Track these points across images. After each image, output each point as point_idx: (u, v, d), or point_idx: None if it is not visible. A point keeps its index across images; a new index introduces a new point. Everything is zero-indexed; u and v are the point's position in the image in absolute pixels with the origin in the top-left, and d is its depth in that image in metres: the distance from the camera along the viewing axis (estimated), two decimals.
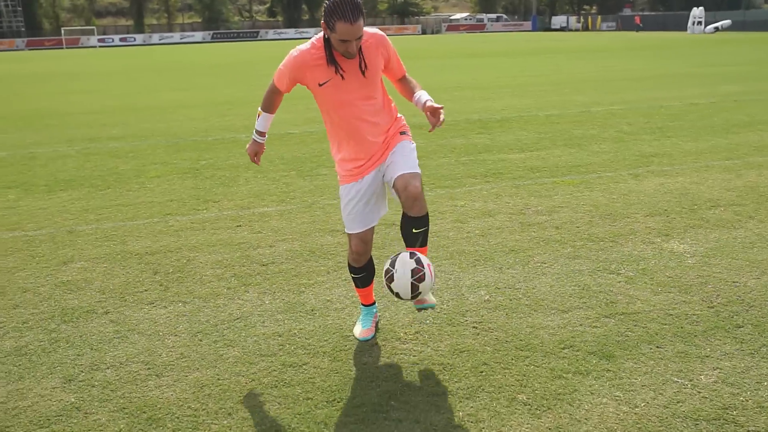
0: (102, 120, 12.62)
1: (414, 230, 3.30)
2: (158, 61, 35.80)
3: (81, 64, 35.61)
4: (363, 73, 3.22)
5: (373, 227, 3.50)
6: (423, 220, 3.30)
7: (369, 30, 3.26)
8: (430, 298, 3.38)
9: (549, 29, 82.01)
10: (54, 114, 13.72)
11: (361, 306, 3.80)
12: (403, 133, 3.44)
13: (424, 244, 3.35)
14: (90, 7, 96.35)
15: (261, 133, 3.57)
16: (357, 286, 3.71)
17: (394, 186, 3.31)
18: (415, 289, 3.18)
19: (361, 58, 3.22)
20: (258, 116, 3.57)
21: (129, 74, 26.19)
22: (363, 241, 3.48)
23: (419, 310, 3.50)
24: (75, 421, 3.00)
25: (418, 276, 3.17)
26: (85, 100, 16.29)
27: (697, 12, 58.73)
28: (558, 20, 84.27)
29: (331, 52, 3.19)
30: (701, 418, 2.85)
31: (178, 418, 2.99)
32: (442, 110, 3.29)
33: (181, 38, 78.15)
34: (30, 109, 14.89)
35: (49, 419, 3.01)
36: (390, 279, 3.21)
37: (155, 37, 77.72)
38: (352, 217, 3.45)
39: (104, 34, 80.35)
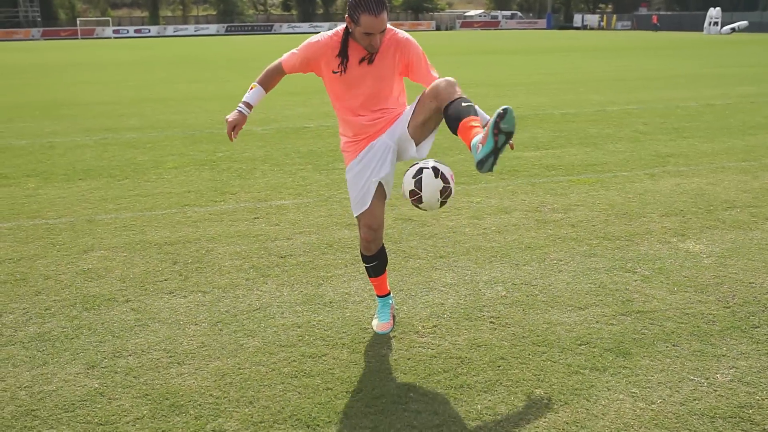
0: (119, 111, 12.72)
1: (464, 104, 3.04)
2: (173, 53, 35.96)
3: (96, 55, 35.81)
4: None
5: (381, 214, 3.42)
6: (466, 99, 3.07)
7: (395, 31, 3.30)
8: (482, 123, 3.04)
9: (570, 27, 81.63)
10: (71, 104, 13.83)
11: (377, 298, 3.83)
12: None
13: (476, 114, 3.07)
14: None
15: (249, 105, 3.40)
16: (370, 275, 3.72)
17: (420, 100, 3.21)
18: (443, 204, 3.30)
19: (390, 50, 3.28)
20: (250, 89, 3.43)
21: (144, 65, 26.33)
22: (371, 228, 3.44)
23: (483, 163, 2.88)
24: (99, 406, 3.05)
25: (446, 193, 3.25)
26: (101, 91, 16.41)
27: (714, 12, 58.30)
28: (580, 18, 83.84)
29: (345, 46, 3.24)
30: (717, 415, 2.88)
31: (200, 405, 3.05)
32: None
33: (195, 30, 78.37)
34: (47, 99, 15.00)
35: (73, 404, 3.07)
36: (418, 201, 3.28)
37: (170, 29, 77.95)
38: (356, 193, 3.41)
39: (119, 25, 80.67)
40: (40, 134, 10.23)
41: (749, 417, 2.86)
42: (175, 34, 76.33)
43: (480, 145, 2.86)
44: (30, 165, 8.03)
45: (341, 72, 3.29)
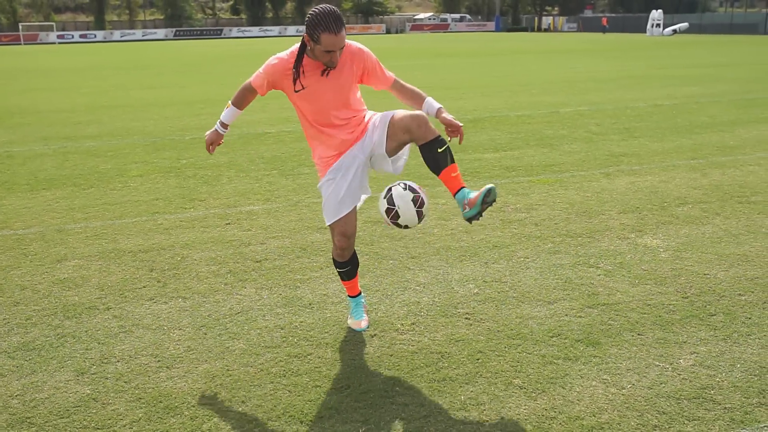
0: (75, 118, 12.55)
1: (439, 150, 3.34)
2: (123, 59, 35.40)
3: (43, 61, 35.01)
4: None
5: (354, 222, 3.57)
6: (441, 140, 3.36)
7: (348, 43, 3.41)
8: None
9: (519, 29, 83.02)
10: (24, 112, 13.59)
11: (349, 298, 3.96)
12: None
13: (453, 160, 3.40)
14: (48, 2, 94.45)
15: (224, 125, 3.68)
16: (342, 279, 3.86)
17: (391, 129, 3.39)
18: (420, 215, 3.46)
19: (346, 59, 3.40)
20: (226, 108, 3.66)
21: (95, 72, 25.89)
22: (345, 236, 3.57)
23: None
24: (94, 411, 3.12)
25: (419, 203, 3.42)
26: (54, 98, 16.13)
27: (656, 14, 60.12)
28: (531, 20, 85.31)
29: (299, 63, 3.34)
30: (682, 397, 3.11)
31: (194, 406, 3.14)
32: (461, 129, 3.48)
33: (143, 35, 77.14)
34: None
35: (68, 410, 3.13)
36: (395, 216, 3.43)
37: (116, 34, 76.56)
38: (330, 204, 3.53)
39: (63, 30, 78.85)
40: None
41: (711, 397, 3.10)
42: (122, 39, 74.99)
43: (467, 207, 3.40)
44: None
45: (302, 88, 3.38)
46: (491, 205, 3.38)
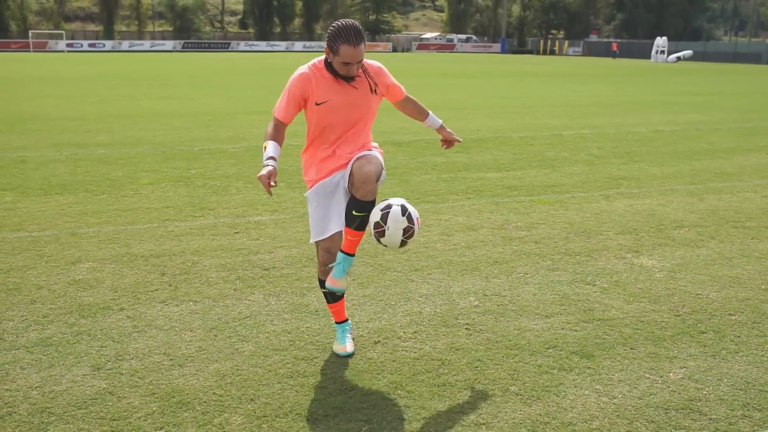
0: (86, 126, 12.77)
1: (354, 212, 3.40)
2: (132, 69, 35.74)
3: (53, 69, 35.35)
4: (374, 91, 3.56)
5: (339, 240, 3.61)
6: (366, 206, 3.39)
7: (367, 61, 3.56)
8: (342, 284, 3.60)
9: (524, 51, 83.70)
10: (36, 118, 13.82)
11: (335, 325, 3.90)
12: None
13: (360, 228, 3.45)
14: (59, 10, 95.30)
15: (272, 158, 3.41)
16: (328, 301, 3.83)
17: (350, 170, 3.46)
18: (403, 244, 3.43)
19: (370, 79, 3.56)
20: (265, 148, 3.44)
21: (104, 81, 26.18)
22: (329, 252, 3.63)
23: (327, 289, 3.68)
24: (110, 404, 3.28)
25: (408, 233, 3.40)
26: (64, 106, 16.37)
27: (661, 41, 60.70)
28: (538, 43, 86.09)
29: (335, 72, 3.47)
30: (671, 408, 3.27)
31: (205, 402, 3.30)
32: (454, 143, 4.12)
33: (151, 46, 77.76)
34: (10, 112, 14.92)
35: (86, 402, 3.30)
36: (381, 234, 3.39)
37: (125, 44, 77.18)
38: (316, 222, 3.62)
39: (73, 38, 79.51)
40: (9, 148, 10.26)
41: (698, 409, 3.26)
42: (131, 49, 75.58)
43: (334, 272, 3.57)
44: (4, 179, 8.12)
45: (327, 102, 3.48)
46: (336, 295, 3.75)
